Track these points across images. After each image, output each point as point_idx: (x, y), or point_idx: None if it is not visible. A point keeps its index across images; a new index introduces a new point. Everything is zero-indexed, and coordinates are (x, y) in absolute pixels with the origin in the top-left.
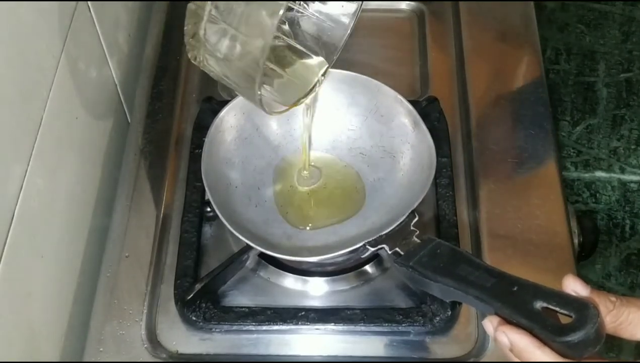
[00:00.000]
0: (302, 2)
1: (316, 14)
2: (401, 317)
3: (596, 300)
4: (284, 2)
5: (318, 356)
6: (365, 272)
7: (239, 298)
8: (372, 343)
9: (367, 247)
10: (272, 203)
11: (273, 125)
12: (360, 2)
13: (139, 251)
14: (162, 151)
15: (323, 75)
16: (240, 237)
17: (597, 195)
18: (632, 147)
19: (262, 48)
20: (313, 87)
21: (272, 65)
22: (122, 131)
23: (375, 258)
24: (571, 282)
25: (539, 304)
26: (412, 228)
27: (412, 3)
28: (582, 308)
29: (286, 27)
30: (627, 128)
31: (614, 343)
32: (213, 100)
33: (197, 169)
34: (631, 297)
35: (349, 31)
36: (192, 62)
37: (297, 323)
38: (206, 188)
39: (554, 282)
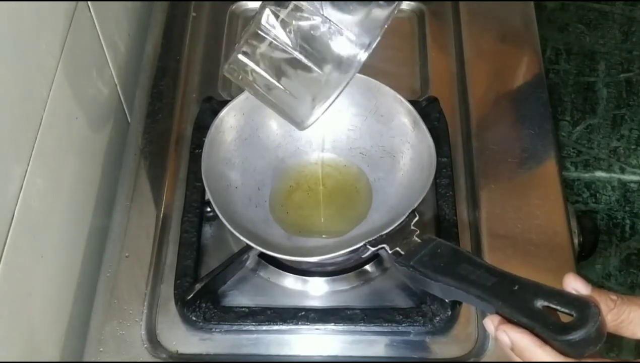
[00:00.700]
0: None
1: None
2: (401, 317)
3: (597, 298)
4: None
5: (318, 356)
6: (366, 272)
7: (239, 298)
8: (372, 343)
9: (368, 246)
10: (272, 203)
11: (273, 125)
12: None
13: (139, 251)
14: (162, 151)
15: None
16: (242, 238)
17: (597, 195)
18: (632, 147)
19: None
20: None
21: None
22: (122, 131)
23: (375, 258)
24: (572, 281)
25: (540, 303)
26: (412, 227)
27: (412, 3)
28: (583, 307)
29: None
30: (627, 128)
31: (614, 342)
32: (213, 100)
33: (197, 169)
34: (632, 296)
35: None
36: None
37: (297, 323)
38: (206, 189)
39: (554, 282)
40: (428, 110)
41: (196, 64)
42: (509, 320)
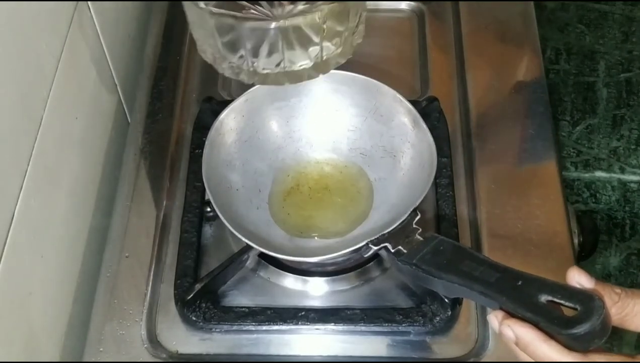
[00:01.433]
0: None
1: None
2: (401, 317)
3: (601, 292)
4: None
5: (318, 356)
6: (366, 272)
7: (239, 298)
8: (372, 343)
9: (370, 246)
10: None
11: (273, 127)
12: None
13: (139, 251)
14: (162, 151)
15: None
16: (245, 240)
17: (597, 195)
18: (632, 147)
19: None
20: None
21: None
22: (122, 131)
23: (375, 258)
24: (576, 275)
25: (544, 297)
26: (414, 226)
27: (412, 3)
28: (587, 301)
29: None
30: (627, 128)
31: (614, 336)
32: (213, 100)
33: (197, 169)
34: (636, 289)
35: None
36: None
37: (297, 323)
38: (207, 191)
39: None
40: (428, 110)
41: (196, 64)
42: (513, 315)
